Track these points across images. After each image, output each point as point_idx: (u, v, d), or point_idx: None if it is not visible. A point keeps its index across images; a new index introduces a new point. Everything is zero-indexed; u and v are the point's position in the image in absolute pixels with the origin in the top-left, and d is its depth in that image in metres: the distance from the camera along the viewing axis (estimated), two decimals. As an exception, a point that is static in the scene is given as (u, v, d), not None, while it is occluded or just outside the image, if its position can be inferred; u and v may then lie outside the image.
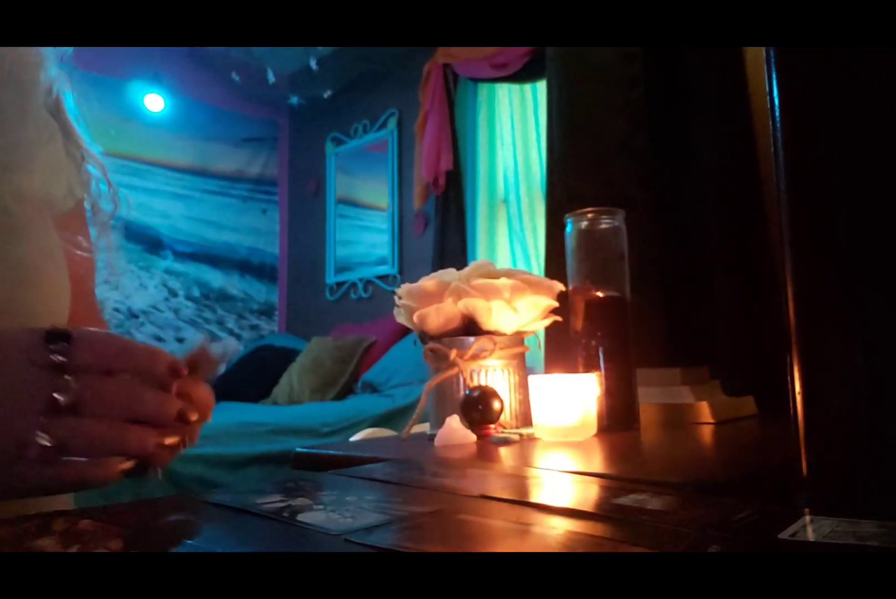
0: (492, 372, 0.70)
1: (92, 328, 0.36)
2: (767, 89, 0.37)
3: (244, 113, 3.89)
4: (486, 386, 0.67)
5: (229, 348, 0.45)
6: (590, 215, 0.72)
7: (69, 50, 0.54)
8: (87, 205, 0.58)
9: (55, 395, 0.33)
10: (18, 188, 0.47)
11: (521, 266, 2.75)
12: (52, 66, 0.53)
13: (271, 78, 3.45)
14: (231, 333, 3.75)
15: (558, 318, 0.74)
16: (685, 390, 0.76)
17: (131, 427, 0.35)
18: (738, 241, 1.01)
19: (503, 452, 0.57)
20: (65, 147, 0.54)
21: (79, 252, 0.55)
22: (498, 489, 0.39)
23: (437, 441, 0.63)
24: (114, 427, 0.34)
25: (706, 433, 0.69)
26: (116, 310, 3.28)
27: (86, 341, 0.34)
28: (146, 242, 3.42)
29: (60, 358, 0.33)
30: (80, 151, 0.56)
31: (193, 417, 0.37)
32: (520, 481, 0.43)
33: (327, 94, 3.59)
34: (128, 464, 0.36)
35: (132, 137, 3.38)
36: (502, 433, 0.66)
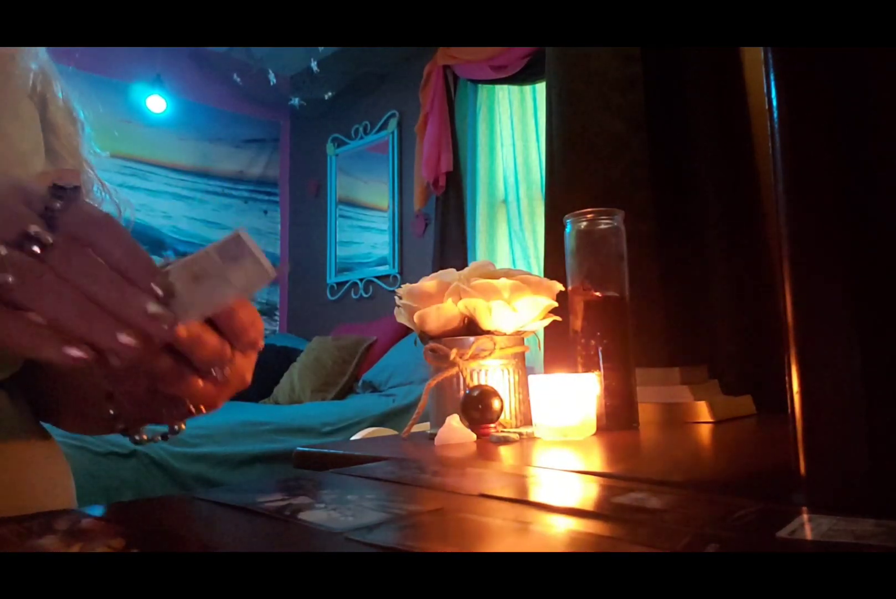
0: (492, 372, 0.70)
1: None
2: (765, 90, 0.38)
3: (245, 114, 3.89)
4: (486, 386, 0.67)
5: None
6: (589, 216, 0.72)
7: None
8: None
9: (31, 227, 0.28)
10: None
11: (520, 266, 2.75)
12: (29, 58, 0.52)
13: (272, 79, 3.45)
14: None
15: (558, 318, 0.74)
16: (684, 389, 0.77)
17: (99, 306, 0.28)
18: (736, 241, 1.01)
19: (503, 451, 0.57)
20: (47, 144, 0.53)
21: None
22: (497, 488, 0.39)
23: (437, 440, 0.63)
24: (79, 295, 0.28)
25: (705, 432, 0.69)
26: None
27: (86, 213, 0.29)
28: (148, 242, 3.42)
29: (55, 205, 0.29)
30: (71, 155, 0.55)
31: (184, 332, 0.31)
32: (519, 480, 0.43)
33: (328, 95, 3.60)
34: (77, 352, 0.28)
35: (134, 138, 3.38)
36: (502, 432, 0.66)
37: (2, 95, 0.49)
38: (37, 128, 0.51)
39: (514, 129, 2.87)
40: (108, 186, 0.57)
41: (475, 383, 0.69)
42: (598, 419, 0.67)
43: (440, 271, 0.76)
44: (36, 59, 0.52)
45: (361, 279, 3.54)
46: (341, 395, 2.82)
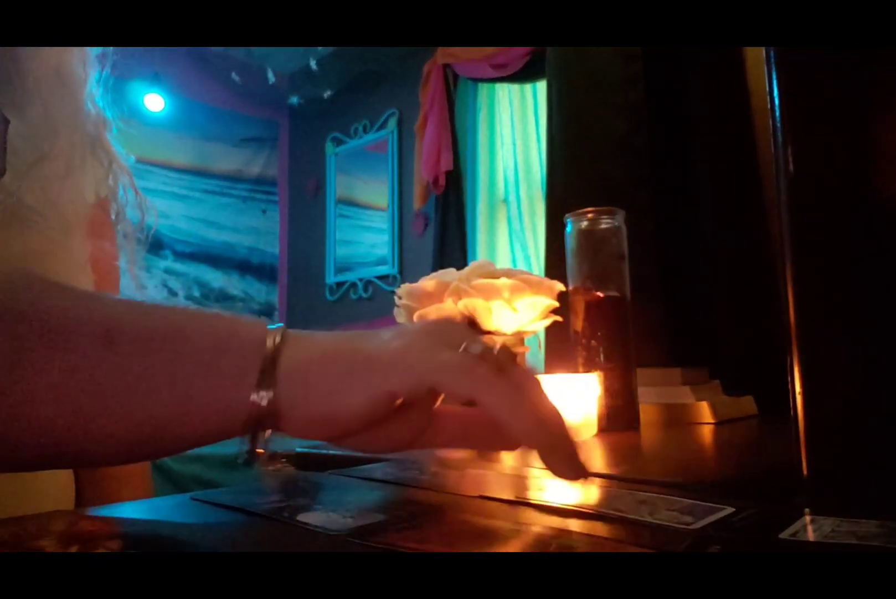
0: (492, 372, 0.70)
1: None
2: (767, 89, 0.37)
3: (244, 113, 3.89)
4: (486, 386, 0.67)
5: None
6: (590, 215, 0.72)
7: (98, 50, 0.53)
8: (112, 213, 0.57)
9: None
10: (58, 197, 0.47)
11: (521, 266, 2.75)
12: (94, 65, 0.52)
13: (271, 78, 3.45)
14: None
15: (558, 318, 0.74)
16: (685, 390, 0.76)
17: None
18: (738, 241, 1.01)
19: (503, 452, 0.57)
20: (90, 147, 0.53)
21: (105, 261, 0.55)
22: (498, 489, 0.39)
23: (437, 441, 0.63)
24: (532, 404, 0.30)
25: (706, 433, 0.69)
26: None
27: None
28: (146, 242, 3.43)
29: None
30: (108, 156, 0.55)
31: None
32: (520, 481, 0.43)
33: (327, 94, 3.60)
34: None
35: (132, 136, 3.38)
36: (502, 433, 0.66)
37: (77, 106, 0.49)
38: (87, 137, 0.51)
39: (514, 128, 2.87)
40: (140, 193, 0.57)
41: (475, 383, 0.69)
42: (599, 419, 0.66)
43: (440, 271, 0.75)
44: (96, 63, 0.52)
45: (361, 279, 3.54)
46: (341, 394, 2.82)
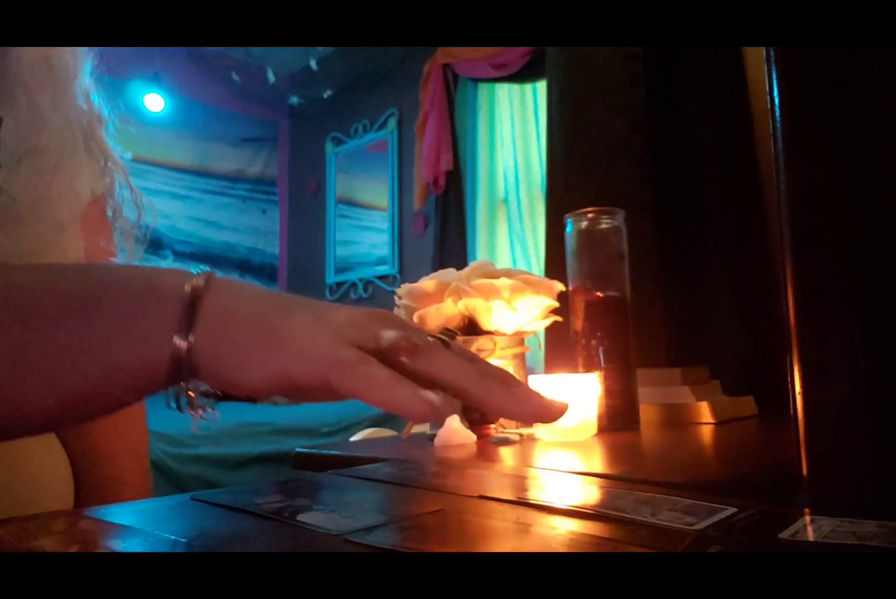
0: (492, 372, 0.70)
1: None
2: (767, 89, 0.37)
3: (244, 113, 3.88)
4: (486, 386, 0.67)
5: None
6: (590, 215, 0.72)
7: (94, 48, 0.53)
8: (108, 211, 0.57)
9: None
10: (49, 194, 0.47)
11: (521, 266, 2.75)
12: (85, 57, 0.52)
13: (271, 78, 3.45)
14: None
15: (558, 318, 0.74)
16: (685, 390, 0.76)
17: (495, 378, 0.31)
18: (738, 241, 1.01)
19: (503, 452, 0.57)
20: (84, 144, 0.53)
21: (100, 258, 0.55)
22: (498, 489, 0.39)
23: (437, 441, 0.63)
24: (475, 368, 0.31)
25: (706, 433, 0.69)
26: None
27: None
28: (146, 241, 3.43)
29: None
30: (103, 154, 0.55)
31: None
32: (520, 481, 0.43)
33: (327, 94, 3.59)
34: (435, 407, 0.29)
35: (131, 136, 3.37)
36: (502, 433, 0.66)
37: (63, 96, 0.49)
38: (80, 132, 0.51)
39: (514, 127, 2.87)
40: (136, 190, 0.57)
41: (475, 383, 0.69)
42: (599, 419, 0.66)
43: (440, 271, 0.75)
44: (89, 58, 0.52)
45: (361, 279, 3.54)
46: (341, 395, 2.82)
